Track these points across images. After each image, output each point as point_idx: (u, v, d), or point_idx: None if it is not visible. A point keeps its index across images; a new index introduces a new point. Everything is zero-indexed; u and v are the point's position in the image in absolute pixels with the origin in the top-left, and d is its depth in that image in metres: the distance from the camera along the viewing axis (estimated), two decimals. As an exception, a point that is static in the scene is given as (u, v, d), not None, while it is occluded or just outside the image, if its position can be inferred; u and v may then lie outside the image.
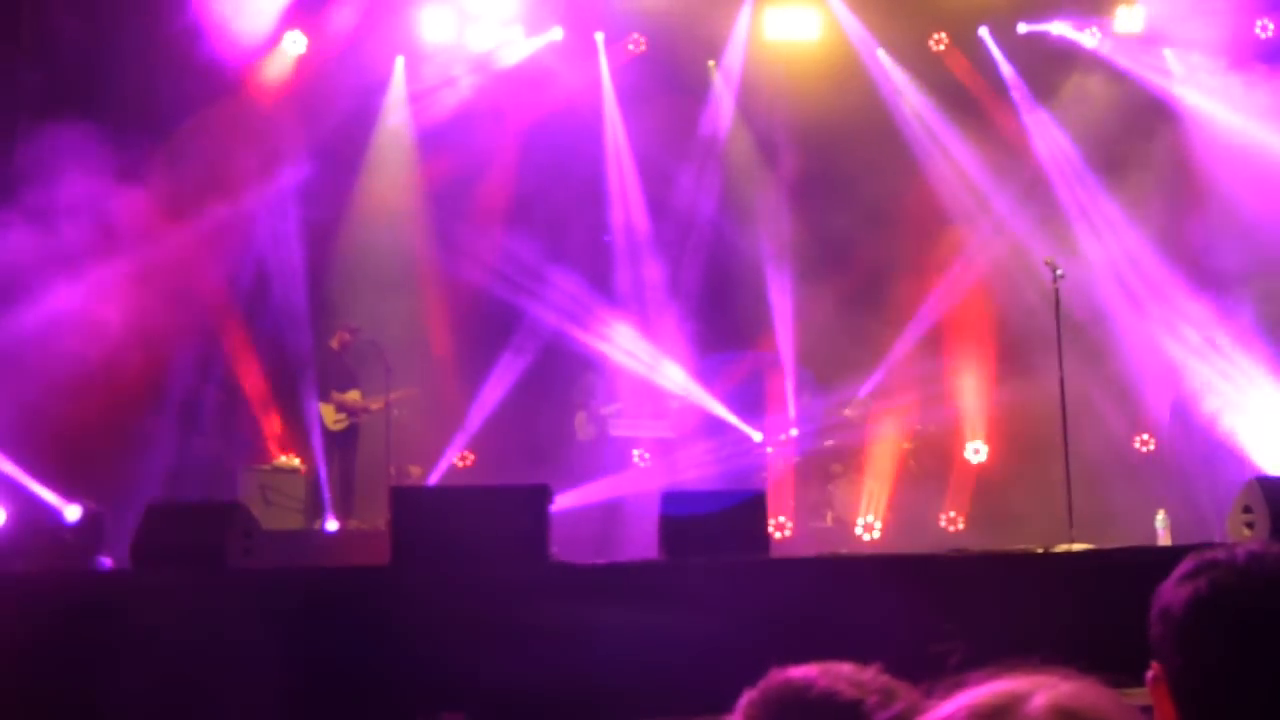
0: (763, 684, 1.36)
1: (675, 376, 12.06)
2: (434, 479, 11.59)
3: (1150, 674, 1.52)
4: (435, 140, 12.58)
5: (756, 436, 12.12)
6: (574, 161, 12.50)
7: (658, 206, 12.86)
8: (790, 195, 12.91)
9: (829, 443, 11.86)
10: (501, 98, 12.61)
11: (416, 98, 12.65)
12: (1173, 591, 1.52)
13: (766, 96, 13.06)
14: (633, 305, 12.48)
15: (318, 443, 11.43)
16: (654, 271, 12.63)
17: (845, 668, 1.34)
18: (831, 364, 12.32)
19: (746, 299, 12.82)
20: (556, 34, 12.84)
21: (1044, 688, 1.16)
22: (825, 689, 1.30)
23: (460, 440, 11.96)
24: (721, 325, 12.68)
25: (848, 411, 11.97)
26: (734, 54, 13.13)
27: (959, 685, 1.21)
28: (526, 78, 12.72)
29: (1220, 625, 1.46)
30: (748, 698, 1.36)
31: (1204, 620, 1.47)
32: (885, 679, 1.32)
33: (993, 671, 1.23)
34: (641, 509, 10.61)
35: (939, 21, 13.24)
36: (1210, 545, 1.62)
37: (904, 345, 12.39)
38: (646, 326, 12.27)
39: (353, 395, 11.54)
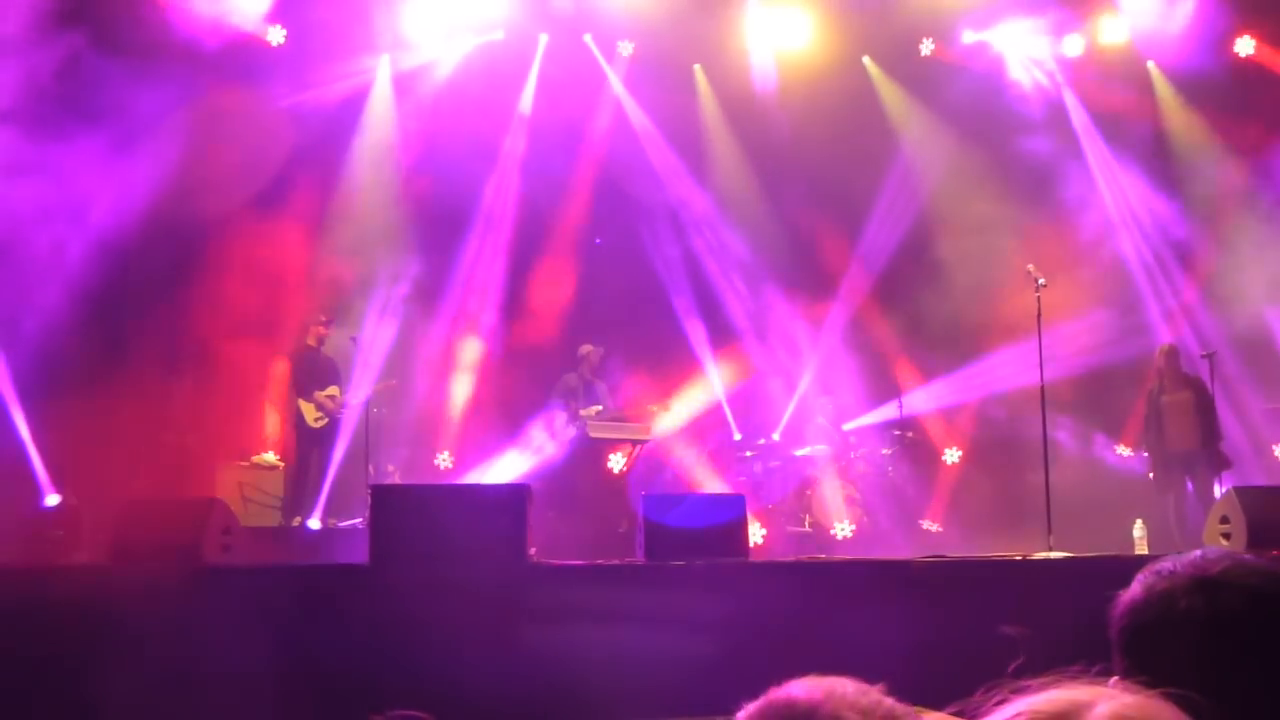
0: (762, 702, 1.29)
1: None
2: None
3: (1110, 681, 1.53)
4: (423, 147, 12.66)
5: (736, 436, 12.17)
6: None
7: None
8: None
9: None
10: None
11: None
12: (1121, 598, 1.54)
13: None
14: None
15: (298, 440, 11.38)
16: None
17: (850, 687, 1.29)
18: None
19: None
20: (542, 40, 12.90)
21: (1106, 698, 1.16)
22: (830, 715, 1.25)
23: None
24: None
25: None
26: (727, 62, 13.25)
27: (1016, 691, 1.20)
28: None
29: (1157, 628, 1.47)
30: (746, 714, 1.29)
31: (1142, 623, 1.49)
32: (890, 703, 1.28)
33: (1052, 679, 1.22)
34: (621, 512, 10.66)
35: (921, 27, 13.29)
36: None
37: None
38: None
39: (332, 391, 11.48)
